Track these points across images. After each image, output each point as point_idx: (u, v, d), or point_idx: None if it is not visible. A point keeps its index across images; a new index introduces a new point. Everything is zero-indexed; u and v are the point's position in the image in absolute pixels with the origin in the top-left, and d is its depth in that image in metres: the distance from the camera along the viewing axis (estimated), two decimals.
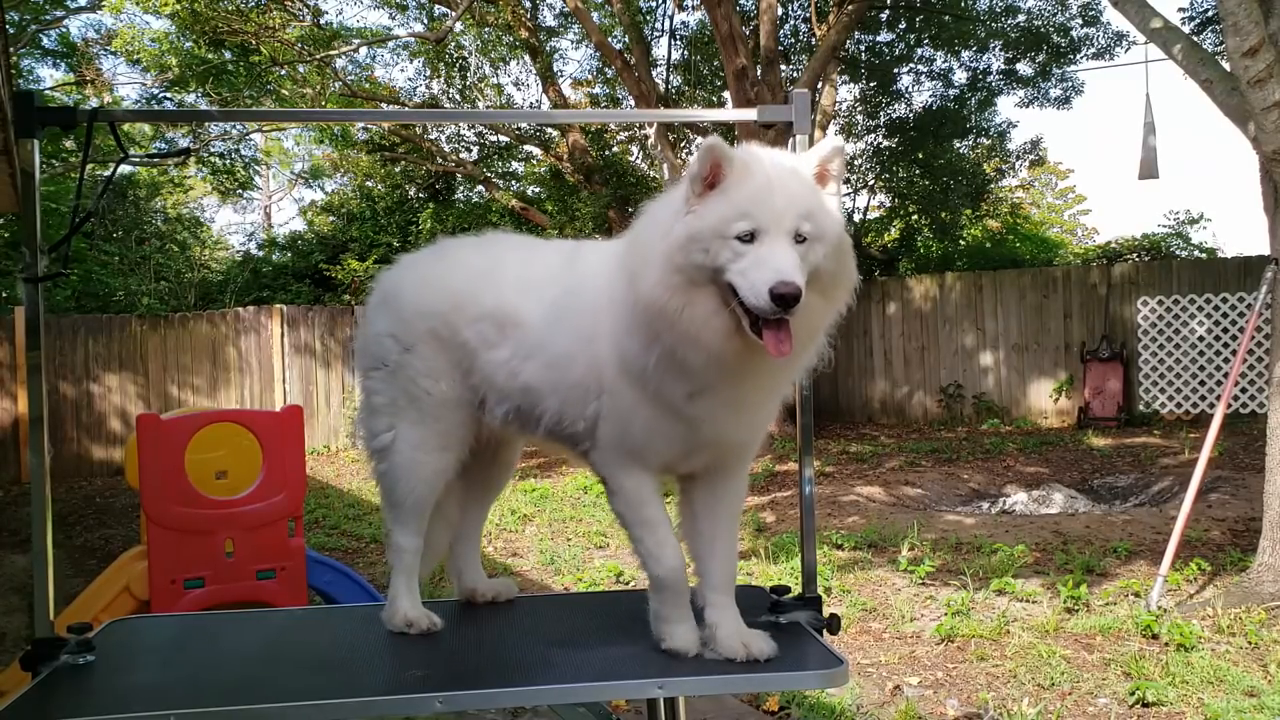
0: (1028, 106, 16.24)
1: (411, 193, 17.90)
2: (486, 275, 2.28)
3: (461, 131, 16.91)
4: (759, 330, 1.81)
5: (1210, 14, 12.74)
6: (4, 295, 13.23)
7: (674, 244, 1.86)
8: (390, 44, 16.44)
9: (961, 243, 17.87)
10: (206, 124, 15.13)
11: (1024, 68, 15.85)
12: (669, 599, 2.06)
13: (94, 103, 16.95)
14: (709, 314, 1.85)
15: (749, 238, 1.82)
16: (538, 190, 17.86)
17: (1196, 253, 15.55)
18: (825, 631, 2.26)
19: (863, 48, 16.19)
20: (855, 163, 17.39)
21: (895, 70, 16.30)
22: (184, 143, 16.06)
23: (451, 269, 2.36)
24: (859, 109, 17.20)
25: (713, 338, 1.85)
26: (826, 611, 2.33)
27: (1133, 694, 4.15)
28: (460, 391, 2.28)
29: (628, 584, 6.25)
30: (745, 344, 1.86)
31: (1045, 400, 13.88)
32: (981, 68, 16.22)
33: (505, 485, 2.72)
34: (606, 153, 16.26)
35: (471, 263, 2.34)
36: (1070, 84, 15.91)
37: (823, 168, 1.94)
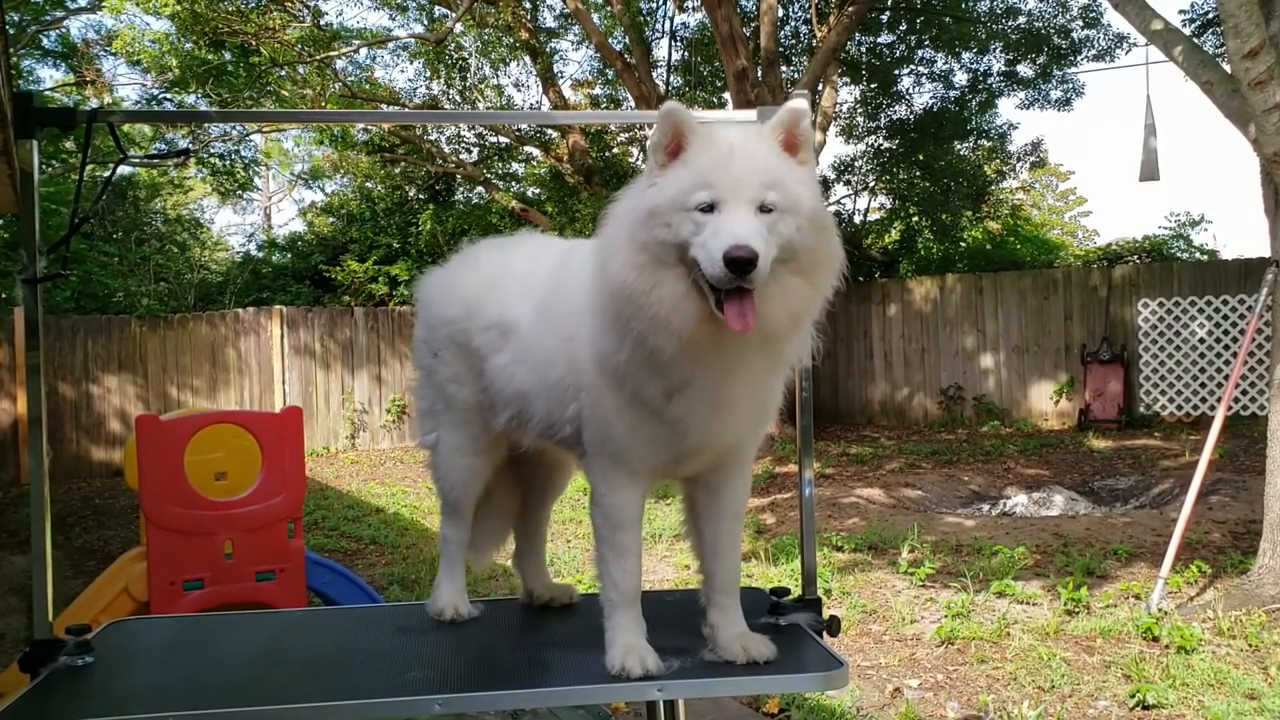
0: (1028, 108, 16.26)
1: (411, 194, 17.90)
2: (495, 281, 2.29)
3: (461, 133, 16.91)
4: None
5: (1211, 16, 12.74)
6: (3, 296, 13.23)
7: (637, 220, 1.77)
8: (390, 45, 16.46)
9: (962, 244, 17.88)
10: (206, 125, 15.14)
11: (1024, 69, 15.86)
12: (618, 620, 2.00)
13: (94, 103, 16.96)
14: (678, 296, 1.75)
15: (709, 208, 1.73)
16: (538, 191, 17.85)
17: (1197, 255, 15.55)
18: (825, 633, 2.25)
19: (863, 49, 16.20)
20: (856, 164, 17.41)
21: (896, 72, 16.31)
22: (184, 144, 16.07)
23: (467, 276, 2.40)
24: (859, 111, 17.20)
25: (683, 321, 1.75)
26: (826, 613, 2.32)
27: (1133, 696, 4.15)
28: (480, 397, 2.31)
29: None
30: (719, 329, 1.75)
31: (1046, 402, 13.88)
32: (982, 69, 16.23)
33: (563, 487, 2.68)
34: (607, 154, 16.26)
35: (485, 269, 2.36)
36: (1071, 86, 15.93)
37: (788, 133, 1.83)
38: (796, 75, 14.91)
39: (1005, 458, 11.20)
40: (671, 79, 16.10)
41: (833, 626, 2.27)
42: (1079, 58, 15.44)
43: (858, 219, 18.04)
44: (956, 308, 14.54)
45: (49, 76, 20.43)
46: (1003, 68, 16.04)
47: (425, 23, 16.69)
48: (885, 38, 16.17)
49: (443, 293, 2.41)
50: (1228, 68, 5.22)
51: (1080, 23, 15.24)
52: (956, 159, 16.64)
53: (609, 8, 15.24)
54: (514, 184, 18.24)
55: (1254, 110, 5.00)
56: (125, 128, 2.52)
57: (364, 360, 14.18)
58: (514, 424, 2.23)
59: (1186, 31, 8.97)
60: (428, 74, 16.70)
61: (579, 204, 14.58)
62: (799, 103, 1.86)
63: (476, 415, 2.33)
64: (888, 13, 15.33)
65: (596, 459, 2.04)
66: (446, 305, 2.37)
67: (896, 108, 16.83)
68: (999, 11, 15.60)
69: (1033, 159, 17.98)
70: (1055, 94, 15.92)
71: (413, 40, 15.91)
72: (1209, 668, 4.43)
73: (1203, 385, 12.58)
